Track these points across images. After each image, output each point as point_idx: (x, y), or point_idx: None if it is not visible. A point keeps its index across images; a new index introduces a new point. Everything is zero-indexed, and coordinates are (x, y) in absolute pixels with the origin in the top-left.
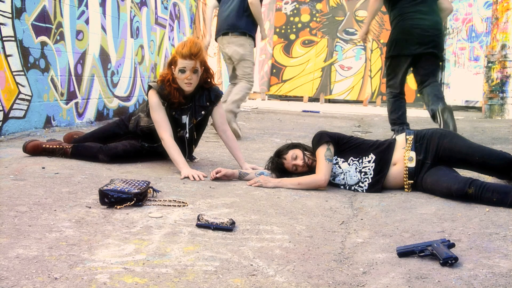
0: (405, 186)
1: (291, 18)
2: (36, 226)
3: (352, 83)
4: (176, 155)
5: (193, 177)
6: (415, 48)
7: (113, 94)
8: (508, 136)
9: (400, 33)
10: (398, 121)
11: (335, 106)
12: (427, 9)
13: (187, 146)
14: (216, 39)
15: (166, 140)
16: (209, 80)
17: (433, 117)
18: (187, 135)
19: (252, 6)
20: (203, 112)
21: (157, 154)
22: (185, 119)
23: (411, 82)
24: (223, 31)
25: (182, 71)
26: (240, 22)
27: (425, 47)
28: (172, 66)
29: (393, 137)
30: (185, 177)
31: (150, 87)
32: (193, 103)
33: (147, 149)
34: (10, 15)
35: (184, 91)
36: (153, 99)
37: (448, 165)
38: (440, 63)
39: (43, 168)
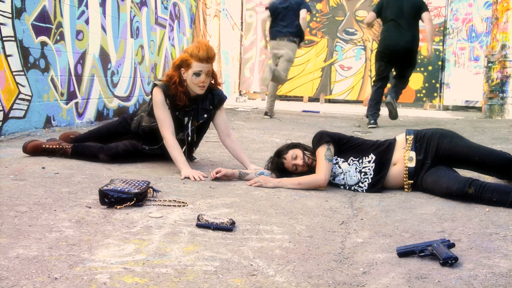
0: (405, 186)
1: None
2: (36, 226)
3: (352, 83)
4: (177, 154)
5: (194, 178)
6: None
7: (113, 94)
8: (508, 136)
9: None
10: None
11: (335, 106)
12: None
13: (187, 148)
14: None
15: (168, 138)
16: (213, 81)
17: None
18: (189, 138)
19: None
20: (205, 116)
21: (158, 156)
22: (187, 120)
23: (411, 83)
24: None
25: (198, 74)
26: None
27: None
28: (183, 69)
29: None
30: (185, 177)
31: (155, 85)
32: (196, 106)
33: (147, 151)
34: (10, 15)
35: (190, 94)
36: (158, 96)
37: (448, 165)
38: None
39: (43, 168)
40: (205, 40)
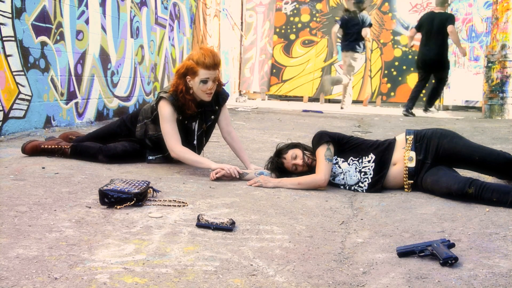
0: (405, 186)
1: (291, 18)
2: (36, 226)
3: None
4: (194, 157)
5: (228, 170)
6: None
7: (113, 94)
8: (508, 136)
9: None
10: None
11: (335, 106)
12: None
13: (197, 151)
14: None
15: (179, 150)
16: (217, 83)
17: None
18: (195, 142)
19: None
20: (212, 117)
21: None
22: (194, 125)
23: (411, 82)
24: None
25: (205, 81)
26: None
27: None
28: (189, 77)
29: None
30: (217, 171)
31: (161, 98)
32: (202, 109)
33: (155, 162)
34: (10, 15)
35: (196, 100)
36: (166, 110)
37: (448, 165)
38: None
39: (43, 168)
40: (208, 46)
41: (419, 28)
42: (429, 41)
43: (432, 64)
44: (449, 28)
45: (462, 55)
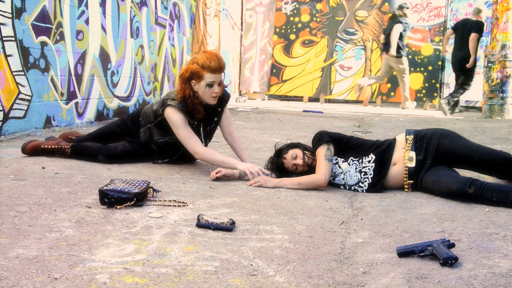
0: (405, 186)
1: (291, 18)
2: (36, 226)
3: (352, 83)
4: (220, 157)
5: (255, 172)
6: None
7: (113, 94)
8: (508, 136)
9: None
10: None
11: (335, 106)
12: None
13: None
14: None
15: (203, 152)
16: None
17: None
18: (203, 144)
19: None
20: (215, 119)
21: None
22: (199, 128)
23: (411, 82)
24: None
25: (211, 85)
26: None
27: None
28: (194, 81)
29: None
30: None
31: (168, 105)
32: (206, 111)
33: (160, 164)
34: (10, 15)
35: (203, 104)
36: (177, 116)
37: (448, 165)
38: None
39: (43, 168)
40: (210, 48)
41: (455, 31)
42: (459, 45)
43: (458, 66)
44: (471, 36)
45: (468, 64)
